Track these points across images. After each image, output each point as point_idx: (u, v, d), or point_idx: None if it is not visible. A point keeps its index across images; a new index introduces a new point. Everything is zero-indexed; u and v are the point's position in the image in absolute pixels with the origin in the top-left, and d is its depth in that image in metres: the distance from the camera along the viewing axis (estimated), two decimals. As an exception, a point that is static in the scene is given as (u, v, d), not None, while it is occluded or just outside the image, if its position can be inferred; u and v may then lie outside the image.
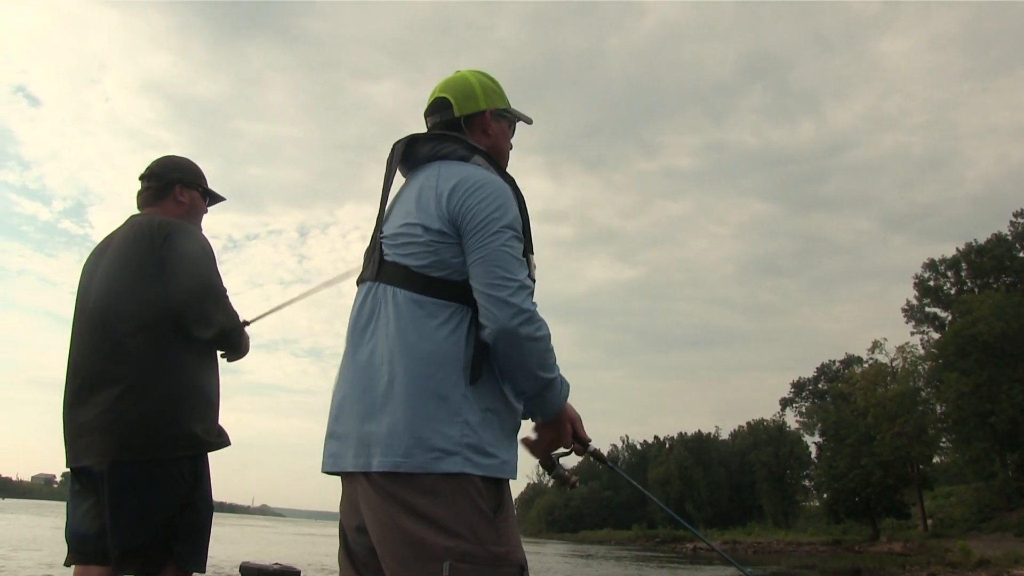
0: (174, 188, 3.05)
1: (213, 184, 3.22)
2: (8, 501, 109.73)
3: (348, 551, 2.03)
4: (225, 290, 2.88)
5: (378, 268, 2.05)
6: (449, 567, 1.74)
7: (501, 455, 1.92)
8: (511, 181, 2.14)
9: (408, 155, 2.19)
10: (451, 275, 1.96)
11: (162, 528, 2.62)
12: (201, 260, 2.83)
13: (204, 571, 2.73)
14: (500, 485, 1.93)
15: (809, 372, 79.03)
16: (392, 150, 2.19)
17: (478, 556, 1.77)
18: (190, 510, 2.70)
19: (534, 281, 2.03)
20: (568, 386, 2.06)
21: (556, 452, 2.19)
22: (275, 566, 3.46)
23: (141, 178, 3.10)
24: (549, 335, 1.95)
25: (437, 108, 2.25)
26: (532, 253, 2.06)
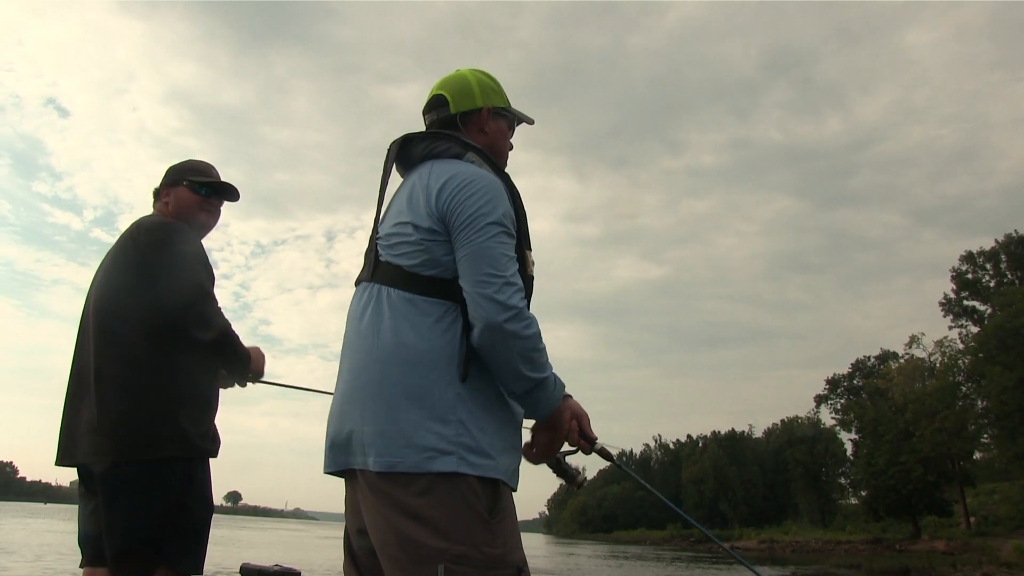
0: (162, 191, 3.11)
1: (240, 190, 3.19)
2: (50, 506, 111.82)
3: (351, 554, 2.04)
4: (211, 289, 2.84)
5: (373, 269, 2.06)
6: (443, 570, 1.73)
7: (496, 456, 1.89)
8: (505, 177, 2.13)
9: (403, 155, 2.19)
10: (442, 273, 1.95)
11: (154, 529, 2.62)
12: (192, 264, 2.80)
13: (201, 573, 2.73)
14: (496, 485, 1.89)
15: (840, 368, 78.55)
16: (388, 150, 2.20)
17: (472, 558, 1.75)
18: (183, 512, 2.70)
19: (532, 278, 2.04)
20: (563, 386, 2.02)
21: (563, 451, 2.16)
22: (275, 567, 3.45)
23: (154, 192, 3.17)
24: (538, 333, 1.92)
25: (434, 105, 2.26)
26: (529, 249, 2.06)
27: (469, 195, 1.95)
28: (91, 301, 2.88)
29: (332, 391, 2.11)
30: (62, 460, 2.78)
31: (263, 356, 3.05)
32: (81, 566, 2.79)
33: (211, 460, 2.88)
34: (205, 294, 2.76)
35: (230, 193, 3.19)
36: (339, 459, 1.96)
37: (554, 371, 1.97)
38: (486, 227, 1.92)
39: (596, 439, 2.15)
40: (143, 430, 2.63)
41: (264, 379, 3.10)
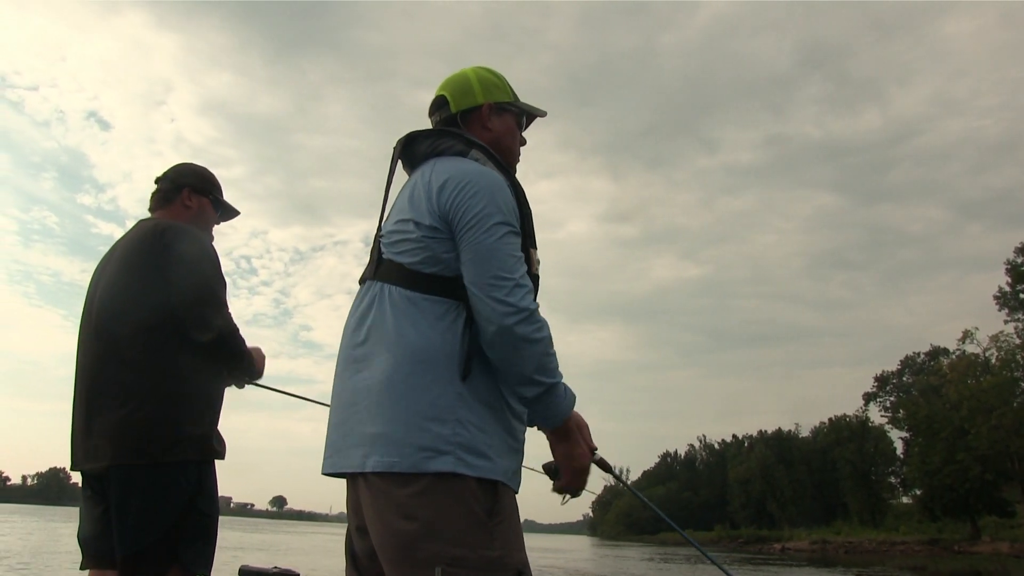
0: (182, 192, 3.08)
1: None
2: (76, 509, 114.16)
3: (352, 556, 2.02)
4: (224, 296, 2.84)
5: (376, 267, 2.04)
6: (441, 572, 1.71)
7: (496, 457, 1.85)
8: (509, 175, 2.11)
9: (408, 153, 2.18)
10: (443, 271, 1.92)
11: (168, 530, 2.61)
12: (201, 263, 2.80)
13: (209, 574, 2.72)
14: (496, 487, 1.85)
15: (886, 366, 77.44)
16: (393, 148, 2.19)
17: (470, 561, 1.72)
18: (195, 514, 2.68)
19: (538, 277, 2.03)
20: (574, 396, 1.96)
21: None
22: (274, 569, 3.48)
23: (156, 181, 3.15)
24: (550, 337, 1.89)
25: (437, 107, 2.25)
26: (535, 248, 2.05)
27: (472, 194, 1.92)
28: (95, 304, 2.84)
29: (326, 402, 2.09)
30: (75, 465, 2.77)
31: (263, 357, 3.07)
32: (82, 568, 2.78)
33: (227, 463, 2.87)
34: (215, 298, 2.77)
35: (230, 217, 3.30)
36: (338, 460, 1.92)
37: (564, 379, 1.93)
38: (493, 227, 1.89)
39: (596, 448, 2.06)
40: (155, 433, 2.62)
41: (261, 383, 3.13)
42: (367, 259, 2.17)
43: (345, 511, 2.08)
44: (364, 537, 1.92)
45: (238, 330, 2.84)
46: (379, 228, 2.14)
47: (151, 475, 2.60)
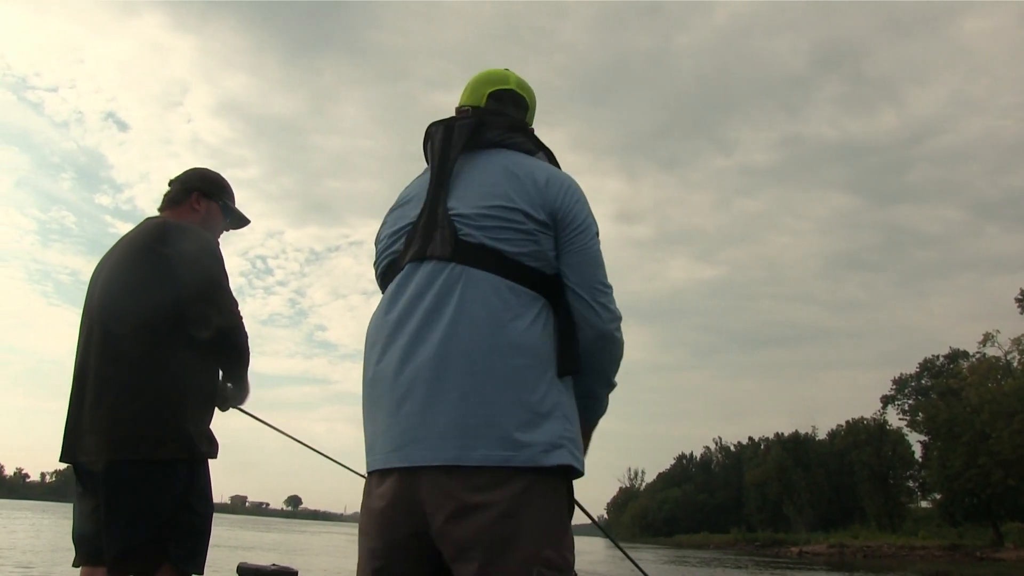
0: (191, 195, 3.09)
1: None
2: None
3: (382, 571, 1.78)
4: (228, 291, 2.84)
5: (453, 247, 1.86)
6: (536, 574, 1.64)
7: (582, 453, 1.84)
8: None
9: (473, 138, 2.02)
10: (545, 267, 1.88)
11: (159, 529, 2.60)
12: (202, 260, 2.80)
13: (202, 573, 2.71)
14: (571, 485, 1.82)
15: (904, 368, 76.84)
16: (453, 126, 2.04)
17: (556, 563, 1.68)
18: (187, 512, 2.67)
19: None
20: None
21: None
22: (272, 567, 3.52)
23: (168, 183, 3.17)
24: None
25: (511, 100, 2.21)
26: None
27: (577, 199, 1.95)
28: (94, 301, 2.86)
29: (302, 439, 1.99)
30: (64, 456, 2.77)
31: (248, 389, 3.00)
32: (75, 565, 2.79)
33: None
34: (218, 294, 2.78)
35: (240, 226, 3.30)
36: (418, 452, 1.71)
37: None
38: (595, 235, 1.95)
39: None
40: (148, 429, 2.62)
41: (244, 409, 3.05)
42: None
43: (360, 511, 1.90)
44: (398, 549, 1.76)
45: (242, 326, 2.84)
46: (442, 205, 1.93)
47: (143, 472, 2.59)
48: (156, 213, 3.11)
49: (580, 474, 1.80)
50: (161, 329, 2.70)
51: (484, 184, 1.94)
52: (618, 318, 1.92)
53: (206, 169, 3.23)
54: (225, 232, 3.24)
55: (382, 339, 1.86)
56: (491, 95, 2.20)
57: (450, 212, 1.91)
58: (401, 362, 1.79)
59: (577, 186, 1.99)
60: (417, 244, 1.92)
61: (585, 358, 1.88)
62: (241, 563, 3.51)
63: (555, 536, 1.70)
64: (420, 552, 1.75)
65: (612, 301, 1.92)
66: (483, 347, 1.75)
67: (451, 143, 2.02)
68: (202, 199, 3.10)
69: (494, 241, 1.85)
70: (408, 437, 1.73)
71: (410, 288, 1.87)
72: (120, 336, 2.71)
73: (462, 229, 1.87)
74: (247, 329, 2.87)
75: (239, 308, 2.86)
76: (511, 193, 1.90)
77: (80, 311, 2.94)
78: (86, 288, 2.98)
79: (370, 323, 1.96)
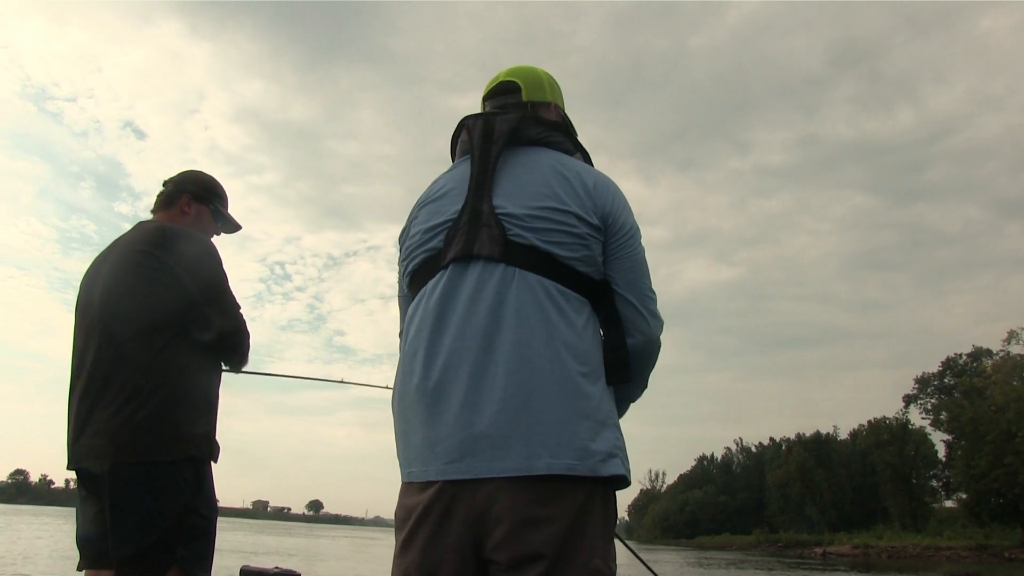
0: (182, 197, 3.10)
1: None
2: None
3: None
4: (230, 293, 2.87)
5: (503, 248, 1.78)
6: None
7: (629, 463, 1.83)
8: None
9: (515, 133, 1.94)
10: (593, 272, 1.84)
11: (166, 531, 2.60)
12: (203, 263, 2.82)
13: (209, 575, 2.72)
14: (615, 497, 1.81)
15: (925, 367, 76.09)
16: (494, 121, 1.95)
17: (605, 575, 1.65)
18: (193, 514, 2.68)
19: None
20: None
21: None
22: (275, 570, 3.52)
23: (163, 184, 3.17)
24: None
25: (504, 91, 2.13)
26: None
27: (624, 204, 1.93)
28: (93, 304, 2.82)
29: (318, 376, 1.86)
30: (71, 464, 2.74)
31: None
32: (79, 569, 2.78)
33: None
34: (220, 296, 2.80)
35: (230, 231, 3.31)
36: (474, 464, 1.64)
37: None
38: (640, 243, 1.93)
39: None
40: (153, 432, 2.61)
41: (250, 370, 3.10)
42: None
43: (393, 518, 1.80)
44: (463, 554, 1.65)
45: (244, 328, 2.86)
46: (487, 202, 1.85)
47: (148, 475, 2.59)
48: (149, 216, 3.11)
49: (628, 484, 1.77)
50: (165, 332, 2.69)
51: (531, 183, 1.87)
52: (662, 324, 1.93)
53: (200, 172, 3.22)
54: (216, 235, 3.19)
55: (437, 342, 1.76)
56: (491, 94, 2.15)
57: (497, 211, 1.83)
58: (456, 368, 1.71)
59: (621, 192, 1.95)
60: (461, 242, 1.82)
61: (635, 364, 1.88)
62: (244, 566, 3.52)
63: (604, 547, 1.67)
64: (466, 562, 1.65)
65: (657, 307, 1.93)
66: (545, 354, 1.69)
67: (492, 138, 1.94)
68: (192, 202, 3.10)
69: (546, 244, 1.79)
70: (468, 448, 1.65)
71: (464, 289, 1.78)
72: (124, 340, 2.69)
73: (511, 229, 1.80)
74: (251, 331, 2.88)
75: (240, 310, 2.87)
76: (562, 195, 1.84)
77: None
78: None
79: (414, 323, 1.85)
